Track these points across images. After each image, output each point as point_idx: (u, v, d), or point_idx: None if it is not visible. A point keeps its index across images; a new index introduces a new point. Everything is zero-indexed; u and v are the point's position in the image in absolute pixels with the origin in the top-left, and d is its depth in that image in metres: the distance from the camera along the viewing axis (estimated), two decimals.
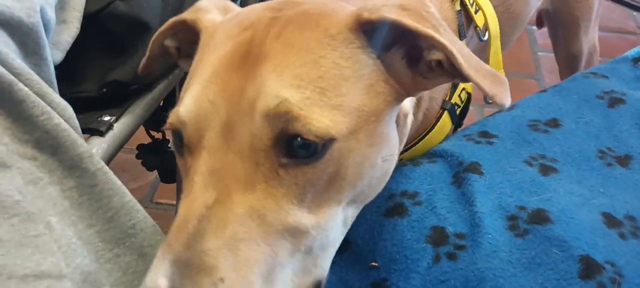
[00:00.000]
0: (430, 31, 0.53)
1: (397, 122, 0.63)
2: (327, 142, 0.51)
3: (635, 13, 2.49)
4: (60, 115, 0.57)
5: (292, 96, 0.50)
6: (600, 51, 1.43)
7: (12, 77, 0.54)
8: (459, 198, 0.72)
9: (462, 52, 0.54)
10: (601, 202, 0.71)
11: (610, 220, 0.67)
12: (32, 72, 0.58)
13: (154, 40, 0.68)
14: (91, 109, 0.80)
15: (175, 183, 1.21)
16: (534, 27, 1.56)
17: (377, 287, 0.66)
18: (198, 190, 0.50)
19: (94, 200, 0.57)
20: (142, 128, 0.96)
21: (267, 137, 0.50)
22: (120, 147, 0.80)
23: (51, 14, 0.68)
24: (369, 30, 0.54)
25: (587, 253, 0.62)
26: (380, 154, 0.57)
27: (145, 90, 0.86)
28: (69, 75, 0.78)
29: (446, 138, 0.85)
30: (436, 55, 0.55)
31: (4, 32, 0.61)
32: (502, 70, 0.88)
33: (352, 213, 0.59)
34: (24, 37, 0.63)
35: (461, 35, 0.84)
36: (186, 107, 0.53)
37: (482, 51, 0.88)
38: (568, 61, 1.37)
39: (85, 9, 0.79)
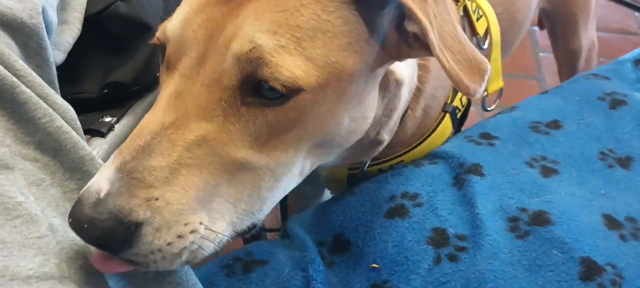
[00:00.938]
0: (409, 1, 0.52)
1: (386, 88, 0.63)
2: (294, 92, 0.52)
3: (637, 14, 2.49)
4: (62, 117, 0.57)
5: (266, 42, 0.51)
6: (602, 52, 1.43)
7: (14, 79, 0.54)
8: (460, 199, 0.72)
9: (442, 31, 0.53)
10: (602, 203, 0.71)
11: (611, 222, 0.67)
12: (34, 73, 0.58)
13: None
14: (92, 109, 0.80)
15: None
16: (535, 28, 1.55)
17: None
18: (160, 108, 0.52)
19: None
20: None
21: (235, 77, 0.52)
22: None
23: (53, 15, 0.68)
24: None
25: (588, 255, 0.62)
26: (348, 113, 0.58)
27: (146, 91, 0.86)
28: (70, 76, 0.78)
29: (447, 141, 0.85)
30: (413, 27, 0.55)
31: (6, 33, 0.61)
32: (501, 79, 0.88)
33: (310, 165, 0.60)
34: (26, 38, 0.63)
35: None
36: (173, 26, 0.55)
37: None
38: (567, 58, 1.37)
39: (86, 10, 0.79)
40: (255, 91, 0.52)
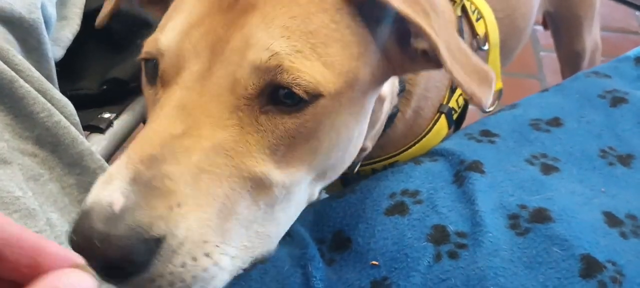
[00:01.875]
0: (417, 18, 0.51)
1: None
2: (313, 98, 0.50)
3: (638, 13, 2.49)
4: (60, 112, 0.57)
5: (283, 48, 0.49)
6: (603, 51, 1.42)
7: (13, 74, 0.54)
8: (460, 197, 0.71)
9: (449, 45, 0.52)
10: (602, 201, 0.70)
11: (612, 219, 0.67)
12: (32, 68, 0.58)
13: None
14: (91, 106, 0.80)
15: None
16: (536, 27, 1.55)
17: (377, 285, 0.66)
18: (165, 119, 0.47)
19: None
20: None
21: (252, 87, 0.49)
22: (120, 144, 0.80)
23: (52, 11, 0.68)
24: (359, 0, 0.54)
25: (588, 252, 0.62)
26: (358, 127, 0.57)
27: None
28: (70, 72, 0.78)
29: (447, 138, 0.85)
30: (422, 44, 0.54)
31: (5, 28, 0.61)
32: (500, 80, 0.88)
33: (317, 191, 0.58)
34: (25, 33, 0.63)
35: None
36: (168, 40, 0.51)
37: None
38: (571, 59, 1.37)
39: (85, 6, 0.79)
40: (273, 99, 0.50)
